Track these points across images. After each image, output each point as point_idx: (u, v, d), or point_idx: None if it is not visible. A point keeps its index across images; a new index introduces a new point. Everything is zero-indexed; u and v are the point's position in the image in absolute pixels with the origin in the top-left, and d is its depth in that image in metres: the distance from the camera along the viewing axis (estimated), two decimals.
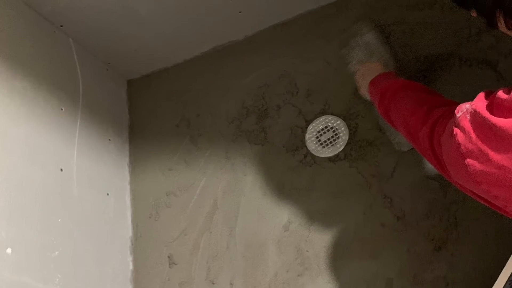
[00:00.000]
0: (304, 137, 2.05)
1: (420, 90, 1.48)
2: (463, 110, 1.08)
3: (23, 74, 1.82)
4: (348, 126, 1.99)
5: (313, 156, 2.02)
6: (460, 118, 1.07)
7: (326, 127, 2.02)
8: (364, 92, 1.80)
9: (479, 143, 1.01)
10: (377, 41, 1.94)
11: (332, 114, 2.04)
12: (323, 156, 2.00)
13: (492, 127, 0.99)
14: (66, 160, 1.94)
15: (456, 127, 1.07)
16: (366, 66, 1.85)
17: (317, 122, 2.04)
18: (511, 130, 0.95)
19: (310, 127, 2.05)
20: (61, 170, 1.89)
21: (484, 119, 1.01)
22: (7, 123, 1.69)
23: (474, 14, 1.13)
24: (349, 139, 1.98)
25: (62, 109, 1.98)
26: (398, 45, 1.99)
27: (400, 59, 1.94)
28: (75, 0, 1.95)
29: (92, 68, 2.27)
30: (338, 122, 2.01)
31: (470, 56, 1.88)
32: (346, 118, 2.01)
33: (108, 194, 2.13)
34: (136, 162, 2.36)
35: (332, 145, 1.99)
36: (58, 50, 2.07)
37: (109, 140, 2.24)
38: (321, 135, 2.02)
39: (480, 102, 1.07)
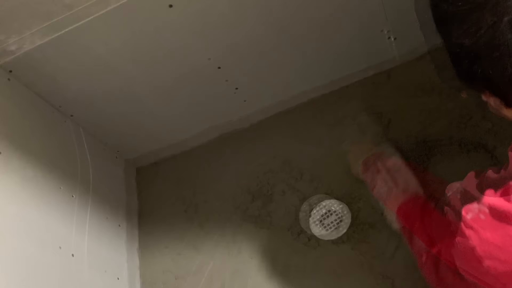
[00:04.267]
0: (308, 221, 2.10)
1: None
2: (472, 210, 1.06)
3: (35, 163, 1.85)
4: (351, 209, 2.04)
5: (317, 239, 2.05)
6: (471, 219, 1.06)
7: (329, 211, 2.07)
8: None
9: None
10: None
11: (335, 198, 2.09)
12: (326, 239, 2.04)
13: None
14: (78, 245, 1.96)
15: (467, 228, 1.07)
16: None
17: (321, 206, 2.09)
18: None
19: (314, 211, 2.10)
20: (73, 255, 1.91)
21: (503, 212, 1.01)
22: (19, 211, 1.71)
23: (486, 97, 1.04)
24: (351, 222, 2.02)
25: (73, 196, 2.01)
26: (397, 131, 2.06)
27: (400, 146, 2.01)
28: (85, 90, 2.01)
29: (102, 156, 2.33)
30: (341, 206, 2.06)
31: (467, 141, 1.94)
32: (348, 201, 2.07)
33: (118, 278, 2.15)
34: (145, 247, 2.39)
35: (335, 228, 2.03)
36: (68, 139, 2.11)
37: (119, 225, 2.28)
38: (324, 218, 2.06)
39: (470, 181, 1.11)
